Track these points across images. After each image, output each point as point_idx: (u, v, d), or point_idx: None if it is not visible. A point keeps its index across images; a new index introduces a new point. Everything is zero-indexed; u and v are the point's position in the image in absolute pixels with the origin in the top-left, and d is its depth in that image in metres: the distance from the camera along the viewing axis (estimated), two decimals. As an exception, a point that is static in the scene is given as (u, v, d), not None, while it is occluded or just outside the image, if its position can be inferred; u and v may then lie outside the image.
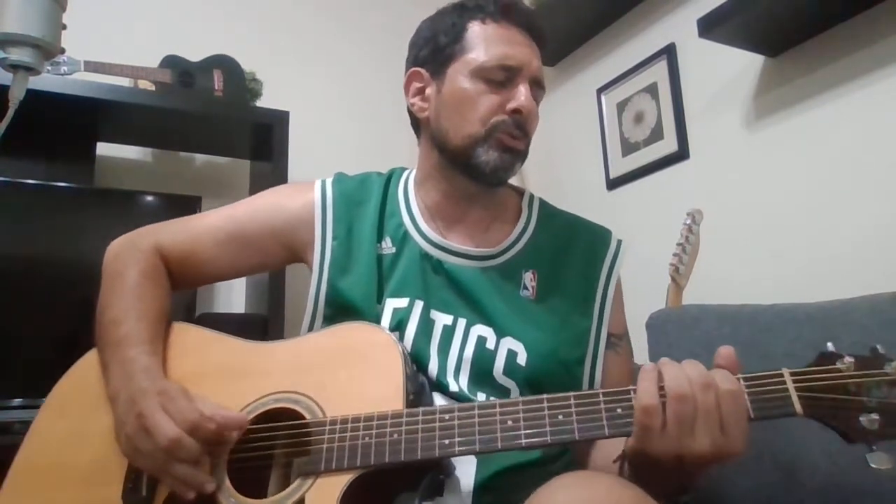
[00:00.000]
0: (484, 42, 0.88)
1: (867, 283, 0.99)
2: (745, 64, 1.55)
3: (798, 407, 0.62)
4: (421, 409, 0.70)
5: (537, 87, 0.91)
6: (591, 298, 0.93)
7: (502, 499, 0.75)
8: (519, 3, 0.93)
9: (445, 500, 0.74)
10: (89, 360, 0.87)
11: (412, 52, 0.97)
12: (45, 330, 1.69)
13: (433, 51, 0.92)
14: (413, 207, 0.96)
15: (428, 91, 0.93)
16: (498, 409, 0.68)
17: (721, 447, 0.60)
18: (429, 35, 0.94)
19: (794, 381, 0.62)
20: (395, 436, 0.68)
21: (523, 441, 0.65)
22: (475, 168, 0.88)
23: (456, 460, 0.73)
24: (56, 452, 0.81)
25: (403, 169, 1.03)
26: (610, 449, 0.78)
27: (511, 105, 0.87)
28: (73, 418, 0.83)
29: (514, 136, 0.88)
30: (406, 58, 0.98)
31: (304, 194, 0.97)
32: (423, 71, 0.94)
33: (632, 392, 0.65)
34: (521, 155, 0.90)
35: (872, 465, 0.58)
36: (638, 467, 0.66)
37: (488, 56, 0.87)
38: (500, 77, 0.87)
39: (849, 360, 0.62)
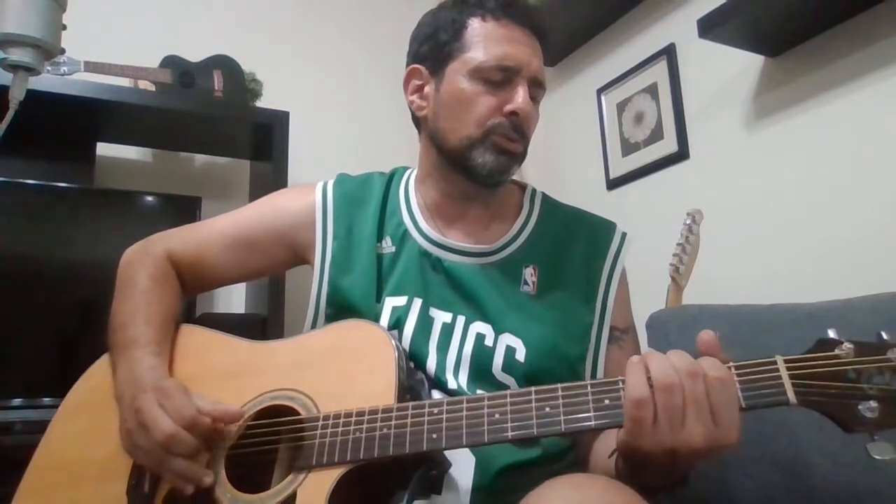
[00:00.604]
0: (483, 40, 0.87)
1: (867, 283, 0.98)
2: (745, 64, 1.55)
3: (792, 395, 0.58)
4: (410, 403, 0.70)
5: (537, 86, 0.90)
6: (594, 293, 0.92)
7: (502, 499, 0.75)
8: (520, 0, 0.92)
9: (443, 499, 0.74)
10: (103, 363, 0.89)
11: (412, 48, 0.96)
12: (44, 330, 1.69)
13: (433, 48, 0.91)
14: (413, 206, 0.96)
15: (427, 89, 0.93)
16: (486, 403, 0.67)
17: (714, 437, 0.59)
18: (429, 31, 0.93)
19: (789, 369, 0.60)
20: (385, 430, 0.69)
21: (509, 434, 0.65)
22: (472, 170, 0.88)
23: (454, 458, 0.73)
24: (70, 451, 0.84)
25: (406, 168, 1.03)
26: (611, 444, 0.78)
27: (509, 107, 0.86)
28: (87, 418, 0.86)
29: (511, 139, 0.87)
30: (406, 52, 0.97)
31: (305, 196, 0.98)
32: (422, 68, 0.93)
33: (620, 383, 0.63)
34: (518, 157, 0.90)
35: (875, 456, 0.55)
36: (630, 461, 0.66)
37: (487, 56, 0.86)
38: (499, 77, 0.86)
39: (848, 346, 0.59)
